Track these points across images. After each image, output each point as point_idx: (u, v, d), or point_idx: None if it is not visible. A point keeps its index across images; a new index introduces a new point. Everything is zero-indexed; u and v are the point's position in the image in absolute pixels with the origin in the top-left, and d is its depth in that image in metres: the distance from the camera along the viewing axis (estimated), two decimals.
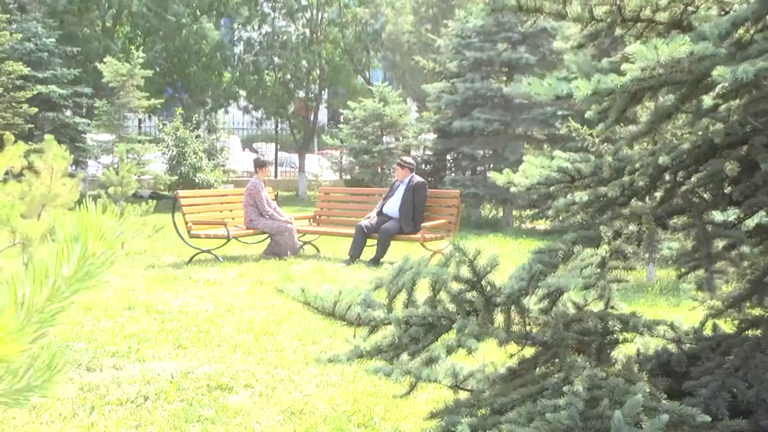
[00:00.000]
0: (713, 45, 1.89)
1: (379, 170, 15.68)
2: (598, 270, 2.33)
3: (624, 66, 1.97)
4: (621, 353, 2.99)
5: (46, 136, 5.11)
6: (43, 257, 0.80)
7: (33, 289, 0.76)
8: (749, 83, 1.85)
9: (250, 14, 21.52)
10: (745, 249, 2.94)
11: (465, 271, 2.59)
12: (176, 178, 16.55)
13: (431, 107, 14.98)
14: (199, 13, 20.43)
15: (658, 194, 2.72)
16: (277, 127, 23.40)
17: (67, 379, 4.26)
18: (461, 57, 14.07)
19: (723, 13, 2.17)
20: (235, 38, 22.88)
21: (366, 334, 2.61)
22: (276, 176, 22.49)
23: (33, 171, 6.63)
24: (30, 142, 11.76)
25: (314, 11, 21.88)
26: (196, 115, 19.00)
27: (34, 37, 16.57)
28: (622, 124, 3.15)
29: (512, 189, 2.59)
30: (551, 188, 2.50)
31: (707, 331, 3.07)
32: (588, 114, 2.50)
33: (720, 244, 2.80)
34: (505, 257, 6.81)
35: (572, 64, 2.34)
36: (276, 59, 21.77)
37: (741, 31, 2.05)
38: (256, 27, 22.12)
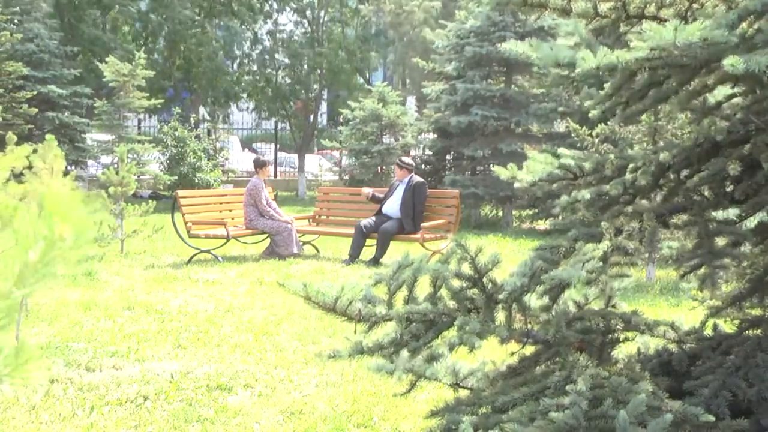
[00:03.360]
0: (726, 33, 1.88)
1: (379, 170, 15.67)
2: (601, 264, 2.32)
3: (633, 44, 1.96)
4: (622, 352, 2.98)
5: (47, 136, 5.08)
6: (10, 242, 0.75)
7: None
8: (757, 76, 1.84)
9: (262, 11, 21.53)
10: (746, 248, 2.93)
11: (466, 268, 2.58)
12: (176, 178, 16.53)
13: (431, 108, 14.97)
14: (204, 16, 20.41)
15: (660, 193, 2.71)
16: (276, 127, 23.40)
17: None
18: (459, 57, 14.05)
19: (729, 9, 2.17)
20: (237, 38, 22.87)
21: (366, 330, 2.60)
22: (275, 176, 22.46)
23: (33, 171, 6.60)
24: (30, 143, 11.72)
25: (316, 10, 21.88)
26: (196, 116, 18.97)
27: (36, 38, 16.54)
28: (621, 125, 3.14)
29: (516, 185, 2.58)
30: (554, 185, 2.49)
31: (708, 331, 3.06)
32: (589, 110, 2.49)
33: (721, 242, 2.80)
34: (505, 257, 6.77)
35: (577, 33, 2.31)
36: (278, 57, 21.75)
37: (744, 25, 2.04)
38: (258, 26, 22.14)
